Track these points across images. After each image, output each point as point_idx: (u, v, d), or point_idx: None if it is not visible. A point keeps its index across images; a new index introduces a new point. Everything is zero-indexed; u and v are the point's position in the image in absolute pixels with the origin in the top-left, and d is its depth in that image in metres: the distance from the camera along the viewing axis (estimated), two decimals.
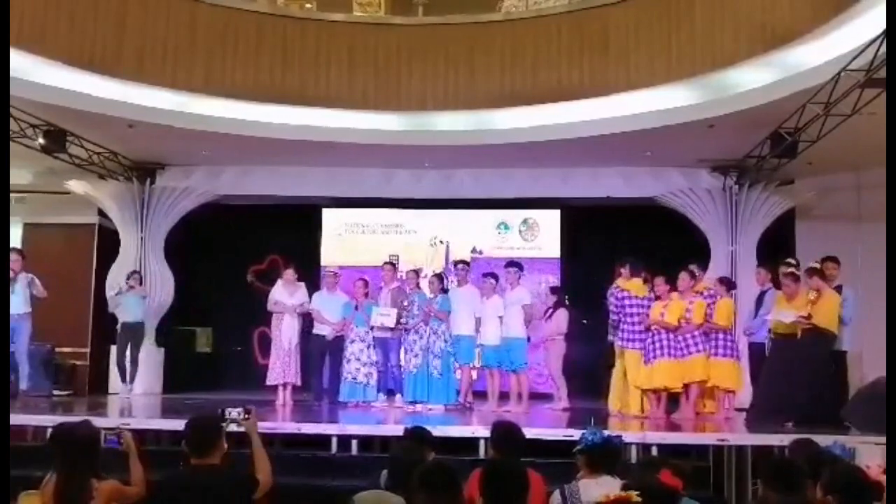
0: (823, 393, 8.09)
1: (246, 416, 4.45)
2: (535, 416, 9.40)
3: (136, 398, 10.88)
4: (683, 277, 9.25)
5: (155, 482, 4.07)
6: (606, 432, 4.42)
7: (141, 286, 11.24)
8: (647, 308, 9.27)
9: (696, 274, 9.53)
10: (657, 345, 9.05)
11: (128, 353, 11.03)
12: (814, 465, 3.63)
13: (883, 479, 3.76)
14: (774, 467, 3.52)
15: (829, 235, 10.86)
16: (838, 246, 9.27)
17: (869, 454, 5.75)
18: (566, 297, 10.45)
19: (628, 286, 9.49)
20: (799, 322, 8.17)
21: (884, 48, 6.97)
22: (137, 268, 11.78)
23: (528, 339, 10.05)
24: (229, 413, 4.42)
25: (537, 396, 10.76)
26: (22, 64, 8.71)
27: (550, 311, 10.16)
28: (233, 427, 4.41)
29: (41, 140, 9.95)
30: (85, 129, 10.30)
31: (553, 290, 10.53)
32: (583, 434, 4.30)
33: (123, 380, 11.02)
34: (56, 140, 10.10)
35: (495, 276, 10.10)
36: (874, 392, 7.91)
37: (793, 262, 9.05)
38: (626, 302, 9.42)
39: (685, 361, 8.99)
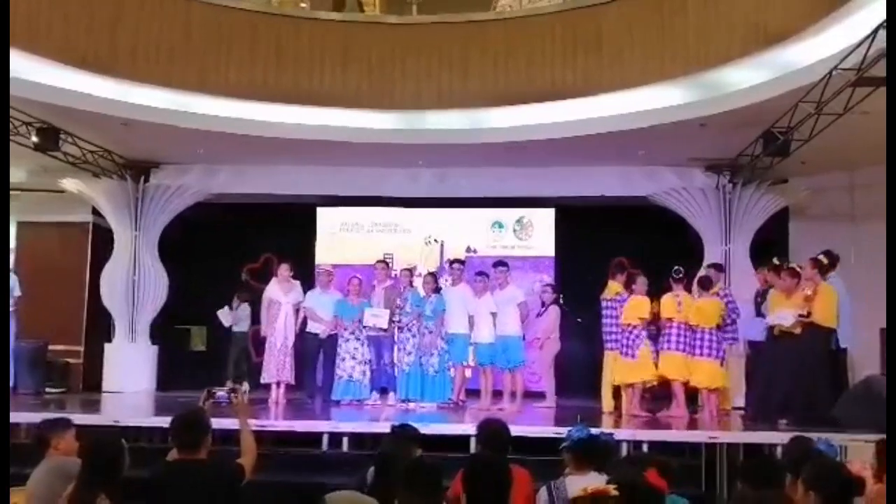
0: (821, 390, 8.13)
1: (233, 395, 4.43)
2: (527, 415, 9.43)
3: (129, 396, 10.91)
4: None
5: (142, 479, 4.05)
6: (596, 430, 4.44)
7: (247, 303, 11.96)
8: (612, 308, 9.54)
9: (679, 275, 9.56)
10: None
11: None
12: (796, 461, 3.63)
13: (864, 474, 3.77)
14: (750, 462, 3.53)
15: (822, 234, 10.86)
16: (832, 245, 9.27)
17: (859, 452, 5.76)
18: (560, 295, 10.50)
19: (608, 288, 9.62)
20: (799, 322, 8.21)
21: (875, 47, 6.97)
22: (132, 266, 11.83)
23: (524, 336, 10.09)
24: (217, 392, 4.41)
25: (530, 395, 10.76)
26: (16, 62, 8.68)
27: (544, 308, 10.20)
28: (221, 395, 4.39)
29: (35, 138, 9.93)
30: (79, 127, 10.29)
31: (550, 287, 10.53)
32: (569, 431, 4.32)
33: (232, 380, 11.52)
34: (50, 138, 10.07)
35: (487, 275, 10.12)
36: (865, 391, 7.94)
37: (776, 261, 9.15)
38: (603, 304, 9.65)
39: (665, 356, 9.25)
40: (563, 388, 10.55)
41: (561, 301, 10.54)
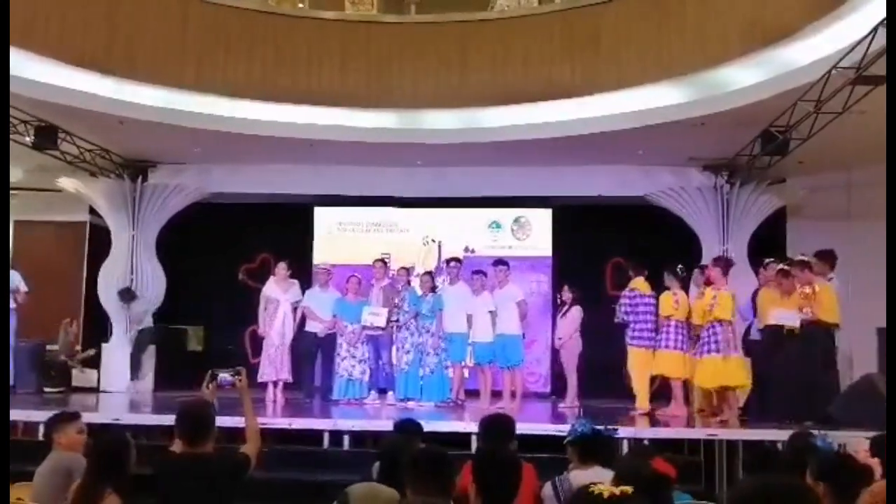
0: (824, 388, 8.17)
1: (237, 377, 4.41)
2: (529, 412, 9.45)
3: (126, 396, 10.91)
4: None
5: (145, 474, 4.03)
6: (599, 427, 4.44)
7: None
8: (643, 305, 9.42)
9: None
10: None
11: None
12: (798, 454, 3.63)
13: (871, 462, 3.77)
14: (754, 454, 3.54)
15: (819, 234, 10.86)
16: (829, 244, 9.28)
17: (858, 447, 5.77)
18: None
19: (636, 285, 9.55)
20: (805, 320, 8.23)
21: (874, 45, 7.00)
22: (129, 266, 11.83)
23: (524, 335, 10.07)
24: (220, 375, 4.38)
25: (529, 395, 10.75)
26: (13, 59, 8.66)
27: (566, 308, 10.14)
28: (224, 378, 4.37)
29: (32, 137, 9.90)
30: (76, 125, 10.26)
31: (571, 286, 10.42)
32: (572, 426, 4.33)
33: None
34: (47, 137, 10.04)
35: (484, 273, 10.11)
36: (865, 389, 7.97)
37: (770, 260, 9.16)
38: (637, 300, 9.51)
39: (663, 355, 9.23)
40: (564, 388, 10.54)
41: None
